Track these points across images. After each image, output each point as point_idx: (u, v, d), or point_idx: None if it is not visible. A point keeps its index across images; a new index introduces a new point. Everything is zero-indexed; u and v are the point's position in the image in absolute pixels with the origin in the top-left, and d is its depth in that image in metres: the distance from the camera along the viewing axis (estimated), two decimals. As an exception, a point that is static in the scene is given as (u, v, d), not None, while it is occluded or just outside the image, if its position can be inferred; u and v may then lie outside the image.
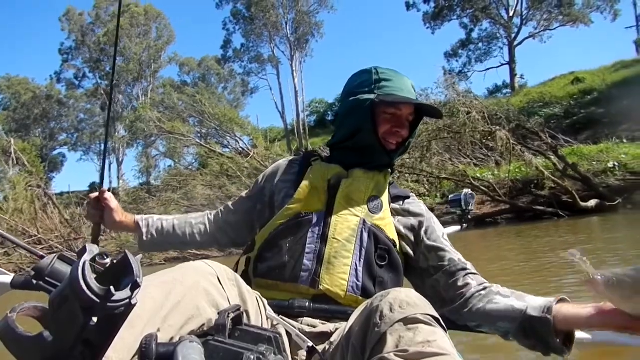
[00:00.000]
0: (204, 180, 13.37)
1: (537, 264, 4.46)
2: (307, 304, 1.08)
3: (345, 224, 1.17)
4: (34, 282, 0.71)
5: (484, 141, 10.31)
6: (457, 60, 33.13)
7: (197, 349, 0.68)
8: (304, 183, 1.25)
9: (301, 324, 1.06)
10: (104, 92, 36.24)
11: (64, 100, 39.11)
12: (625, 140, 12.17)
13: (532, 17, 29.34)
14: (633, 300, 0.84)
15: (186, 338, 0.69)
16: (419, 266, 1.23)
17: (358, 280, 1.12)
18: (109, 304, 0.56)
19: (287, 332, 0.97)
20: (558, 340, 0.96)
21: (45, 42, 70.91)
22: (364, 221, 1.17)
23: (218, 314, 0.81)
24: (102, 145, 39.24)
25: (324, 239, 1.16)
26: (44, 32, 70.40)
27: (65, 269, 0.72)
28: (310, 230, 1.17)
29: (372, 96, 1.24)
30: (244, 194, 1.47)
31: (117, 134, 35.55)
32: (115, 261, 0.62)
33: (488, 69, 32.26)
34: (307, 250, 1.15)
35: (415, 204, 1.31)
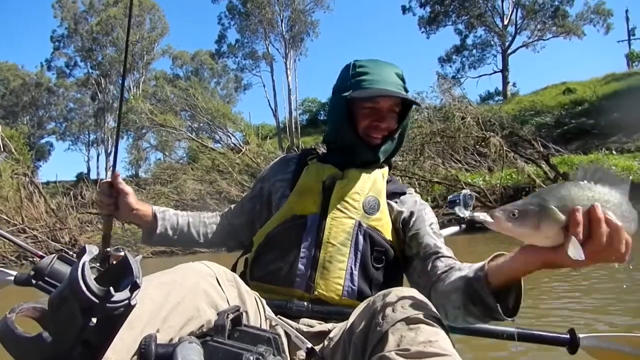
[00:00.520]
0: (195, 174, 13.29)
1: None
2: (305, 304, 1.08)
3: (340, 227, 1.15)
4: (33, 281, 0.70)
5: (477, 147, 10.39)
6: (450, 66, 33.42)
7: (197, 350, 0.69)
8: (299, 184, 1.24)
9: (299, 323, 1.05)
10: (95, 81, 35.84)
11: (54, 88, 38.72)
12: (614, 152, 12.38)
13: (526, 27, 29.73)
14: (542, 230, 0.74)
15: (185, 339, 0.70)
16: (407, 256, 1.20)
17: (354, 285, 1.11)
18: (108, 305, 0.56)
19: (286, 332, 0.97)
20: (496, 300, 0.85)
21: (37, 29, 69.99)
22: (360, 223, 1.15)
23: (217, 314, 0.81)
24: (93, 136, 38.81)
25: (318, 243, 1.14)
26: (36, 18, 69.48)
27: (65, 269, 0.71)
28: (304, 234, 1.16)
29: (346, 93, 1.22)
30: (246, 195, 1.45)
31: (106, 124, 35.21)
32: (114, 262, 0.62)
33: (481, 75, 32.72)
34: (301, 254, 1.13)
35: (411, 198, 1.27)
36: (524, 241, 0.79)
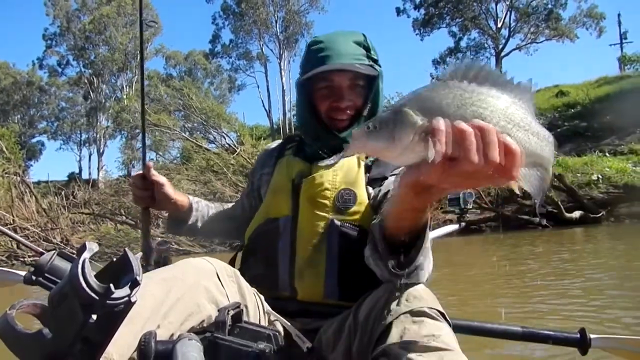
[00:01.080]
0: (189, 175, 13.22)
1: (517, 271, 4.52)
2: (295, 304, 1.08)
3: (313, 229, 1.08)
4: (33, 278, 0.69)
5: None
6: (444, 68, 33.37)
7: (196, 347, 0.69)
8: (272, 182, 1.20)
9: (295, 320, 1.04)
10: (87, 80, 35.53)
11: (46, 87, 38.30)
12: (607, 154, 12.47)
13: (520, 30, 29.92)
14: (398, 140, 0.61)
15: (185, 335, 0.70)
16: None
17: (335, 285, 1.06)
18: (108, 302, 0.56)
19: (285, 330, 0.97)
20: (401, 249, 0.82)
21: (29, 27, 69.46)
22: (333, 222, 1.07)
23: (218, 311, 0.82)
24: (85, 135, 38.50)
25: (293, 247, 1.09)
26: (27, 16, 68.93)
27: (65, 265, 0.71)
28: (279, 238, 1.11)
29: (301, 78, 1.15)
30: (244, 191, 1.43)
31: (98, 123, 34.94)
32: (114, 259, 0.62)
33: (475, 77, 32.70)
34: (280, 258, 1.10)
35: (393, 177, 1.12)
36: (387, 159, 0.67)
